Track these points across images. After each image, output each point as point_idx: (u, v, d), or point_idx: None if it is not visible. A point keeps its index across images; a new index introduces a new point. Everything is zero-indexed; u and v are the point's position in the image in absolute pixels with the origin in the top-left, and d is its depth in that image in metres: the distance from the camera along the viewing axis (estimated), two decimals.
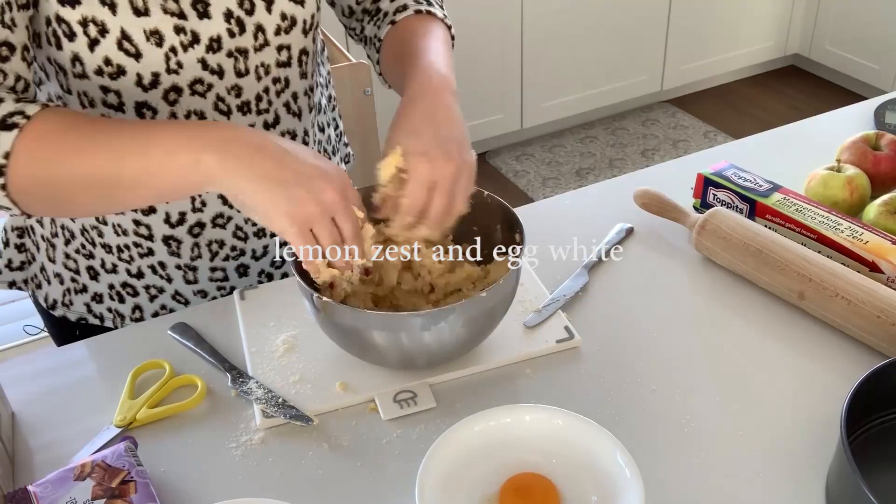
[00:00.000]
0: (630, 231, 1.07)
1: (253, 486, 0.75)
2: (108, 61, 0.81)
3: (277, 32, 0.88)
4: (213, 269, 0.99)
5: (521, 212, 1.13)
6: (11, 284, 1.06)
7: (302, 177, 0.71)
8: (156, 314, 1.01)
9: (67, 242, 0.98)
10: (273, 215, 0.72)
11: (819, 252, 0.95)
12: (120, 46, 0.80)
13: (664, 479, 0.74)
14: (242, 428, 0.81)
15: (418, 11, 0.95)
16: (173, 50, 0.82)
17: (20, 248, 1.04)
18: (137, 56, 0.81)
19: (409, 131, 0.79)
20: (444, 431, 0.74)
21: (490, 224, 0.91)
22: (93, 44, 0.80)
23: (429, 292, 0.88)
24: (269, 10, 0.86)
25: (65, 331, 1.05)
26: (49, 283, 1.03)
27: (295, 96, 0.95)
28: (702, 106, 3.51)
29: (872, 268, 0.92)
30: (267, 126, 0.94)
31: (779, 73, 3.75)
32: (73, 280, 1.00)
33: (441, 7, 0.99)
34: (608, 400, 0.82)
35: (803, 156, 1.19)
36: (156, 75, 0.83)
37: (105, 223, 0.95)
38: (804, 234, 0.98)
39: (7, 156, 0.72)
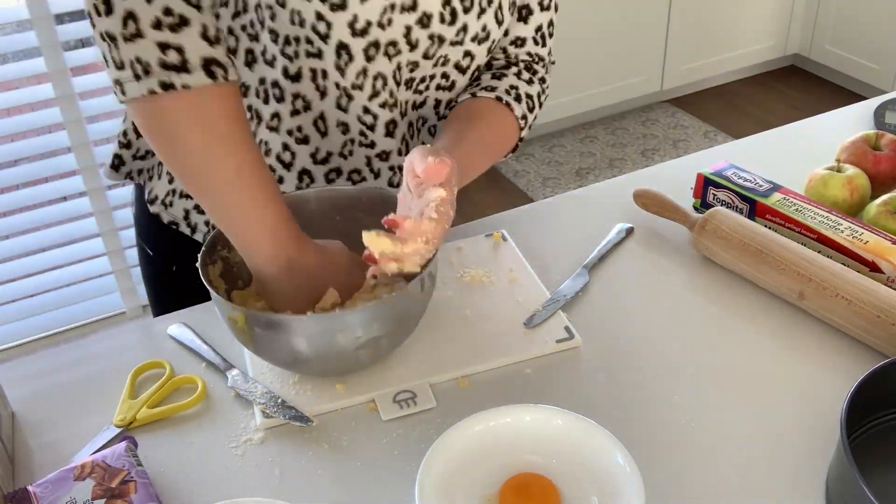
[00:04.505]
0: (630, 231, 1.07)
1: (253, 486, 0.75)
2: None
3: (473, 39, 0.92)
4: None
5: (521, 212, 1.13)
6: (128, 175, 1.07)
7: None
8: None
9: None
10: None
11: (819, 252, 0.95)
12: None
13: (664, 479, 0.74)
14: (242, 428, 0.81)
15: (498, 98, 0.96)
16: (392, 6, 0.85)
17: None
18: None
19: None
20: (444, 431, 0.74)
21: None
22: None
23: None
24: (478, 17, 0.91)
25: (153, 231, 1.07)
26: (160, 177, 1.03)
27: (450, 102, 0.99)
28: (702, 106, 3.51)
29: (872, 268, 0.92)
30: (415, 106, 0.97)
31: (779, 73, 3.75)
32: None
33: (529, 106, 0.98)
34: (608, 400, 0.82)
35: (803, 156, 1.19)
36: (368, 24, 0.85)
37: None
38: (804, 234, 0.98)
39: (185, 87, 0.75)
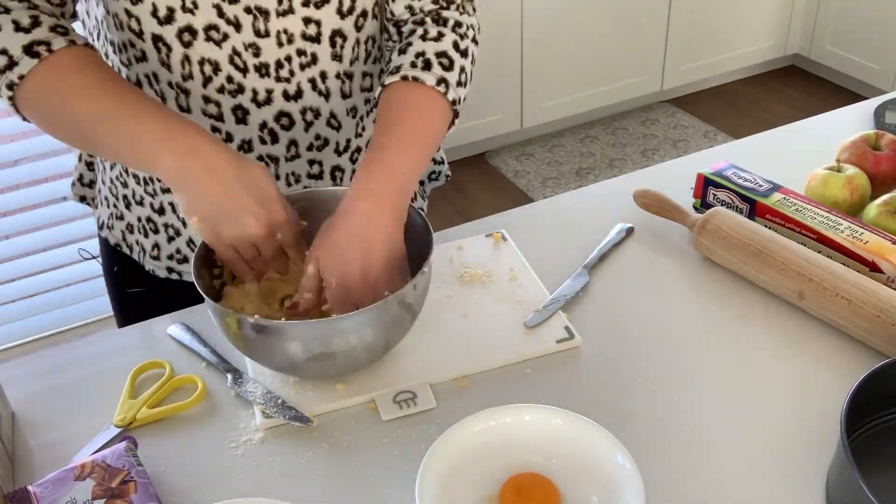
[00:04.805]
0: (630, 231, 1.07)
1: (253, 486, 0.75)
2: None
3: (306, 4, 0.89)
4: None
5: (521, 212, 1.14)
6: (82, 199, 1.11)
7: (236, 208, 0.79)
8: (171, 257, 1.02)
9: (111, 167, 1.02)
10: (204, 230, 0.80)
11: (819, 252, 0.95)
12: None
13: (664, 479, 0.74)
14: (242, 428, 0.81)
15: (405, 78, 0.90)
16: None
17: (90, 165, 1.09)
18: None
19: (327, 248, 0.82)
20: (444, 431, 0.74)
21: (415, 241, 0.88)
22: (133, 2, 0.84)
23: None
24: None
25: (111, 255, 1.09)
26: (102, 203, 1.07)
27: (324, 76, 0.95)
28: (702, 106, 3.51)
29: (872, 268, 0.92)
30: (288, 97, 0.94)
31: (779, 73, 3.75)
32: (115, 206, 1.04)
33: (445, 64, 0.92)
34: (608, 400, 0.82)
35: (803, 156, 1.18)
36: (171, 10, 0.85)
37: None
38: (804, 234, 0.98)
39: (21, 77, 0.79)
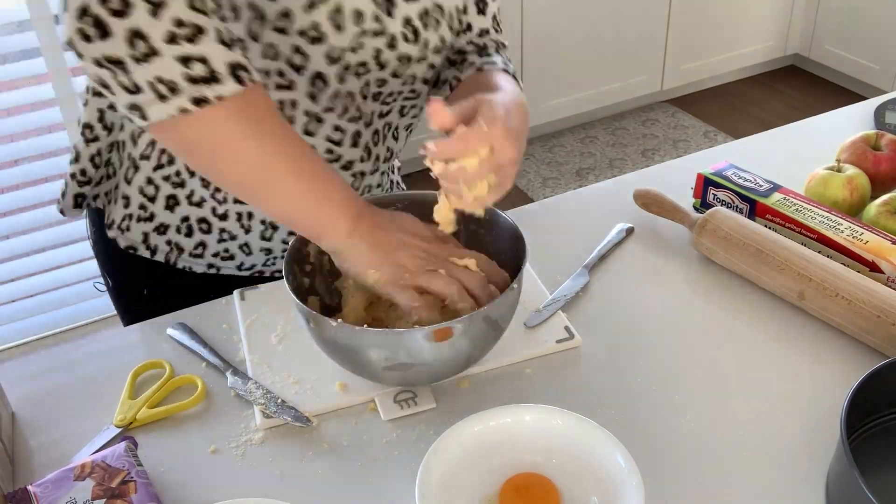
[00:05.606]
0: (630, 231, 1.07)
1: (253, 486, 0.75)
2: (315, 26, 0.82)
3: (435, 52, 0.94)
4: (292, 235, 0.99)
5: (520, 211, 1.13)
6: (79, 201, 1.05)
7: (404, 245, 0.81)
8: (216, 254, 1.01)
9: (159, 167, 0.95)
10: (381, 280, 0.80)
11: (819, 252, 0.95)
12: (332, 14, 0.82)
13: (664, 479, 0.74)
14: (242, 428, 0.81)
15: (506, 71, 0.97)
16: (363, 32, 0.85)
17: (108, 162, 1.03)
18: (339, 28, 0.83)
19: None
20: (444, 431, 0.74)
21: (499, 242, 0.90)
22: (310, 6, 0.81)
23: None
24: (436, 30, 0.92)
25: (108, 256, 1.06)
26: (115, 202, 1.01)
27: (416, 104, 1.01)
28: (702, 106, 3.51)
29: (872, 268, 0.92)
30: (382, 115, 0.98)
31: (779, 73, 3.75)
32: (142, 207, 0.98)
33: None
34: (608, 400, 0.82)
35: (803, 156, 1.19)
36: (342, 51, 0.85)
37: None
38: (804, 234, 0.98)
39: (219, 98, 0.71)
